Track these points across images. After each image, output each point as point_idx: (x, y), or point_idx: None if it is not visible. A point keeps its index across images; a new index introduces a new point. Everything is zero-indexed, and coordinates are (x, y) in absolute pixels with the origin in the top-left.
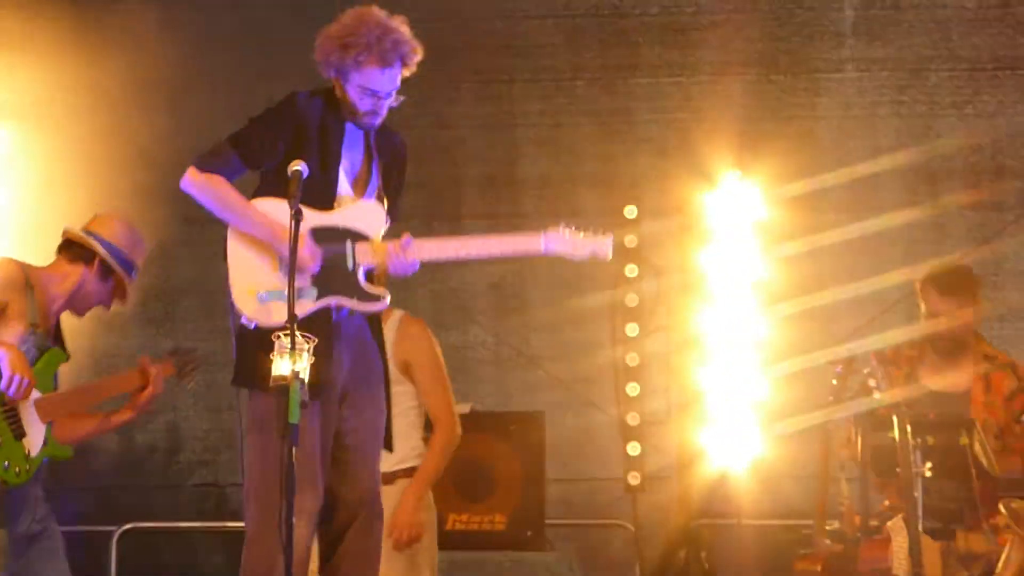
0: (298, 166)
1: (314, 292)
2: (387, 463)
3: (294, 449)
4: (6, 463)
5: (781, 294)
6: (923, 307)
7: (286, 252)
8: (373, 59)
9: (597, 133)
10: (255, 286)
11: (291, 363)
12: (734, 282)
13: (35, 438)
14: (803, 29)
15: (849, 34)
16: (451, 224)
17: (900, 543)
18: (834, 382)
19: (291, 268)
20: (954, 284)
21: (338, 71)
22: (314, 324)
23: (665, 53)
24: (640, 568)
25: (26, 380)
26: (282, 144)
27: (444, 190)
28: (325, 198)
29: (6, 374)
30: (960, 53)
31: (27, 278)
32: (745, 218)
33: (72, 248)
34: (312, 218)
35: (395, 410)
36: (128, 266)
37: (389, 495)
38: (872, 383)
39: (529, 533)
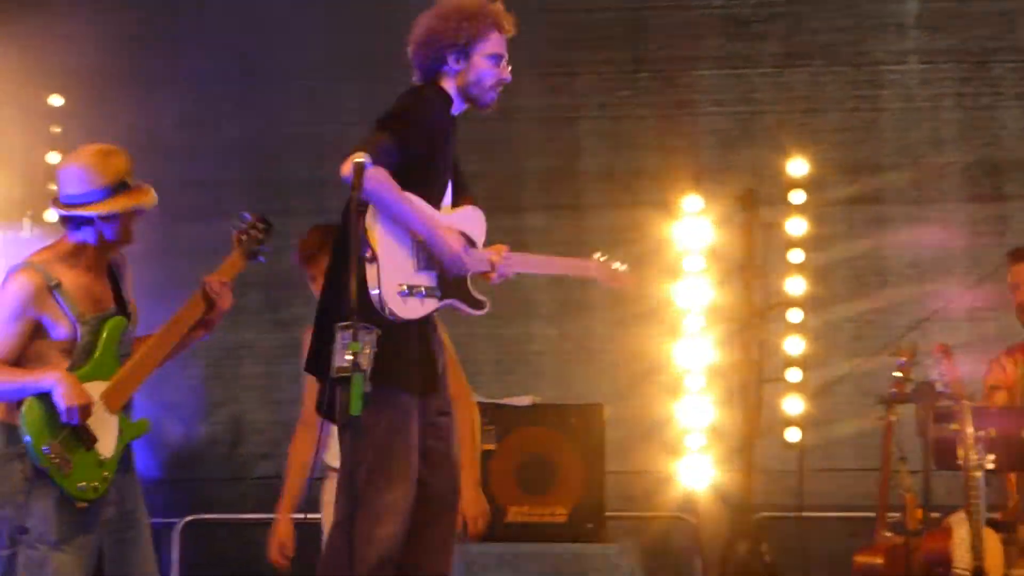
0: (361, 158)
1: (437, 292)
2: None
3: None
4: (81, 484)
5: (843, 285)
6: (1009, 284)
7: (438, 253)
8: (495, 25)
9: (659, 125)
10: (399, 281)
11: (352, 355)
12: (796, 272)
13: (108, 437)
14: (866, 20)
15: (912, 25)
16: (513, 216)
17: (962, 535)
18: (897, 374)
19: (353, 256)
20: None
21: (463, 49)
22: (425, 323)
23: (727, 45)
24: (701, 561)
25: (86, 404)
26: (424, 139)
27: (506, 183)
28: (439, 198)
29: (62, 407)
30: (1023, 45)
31: (47, 282)
32: (807, 210)
33: (63, 221)
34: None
35: None
36: (114, 190)
37: None
38: (935, 375)
39: (590, 525)
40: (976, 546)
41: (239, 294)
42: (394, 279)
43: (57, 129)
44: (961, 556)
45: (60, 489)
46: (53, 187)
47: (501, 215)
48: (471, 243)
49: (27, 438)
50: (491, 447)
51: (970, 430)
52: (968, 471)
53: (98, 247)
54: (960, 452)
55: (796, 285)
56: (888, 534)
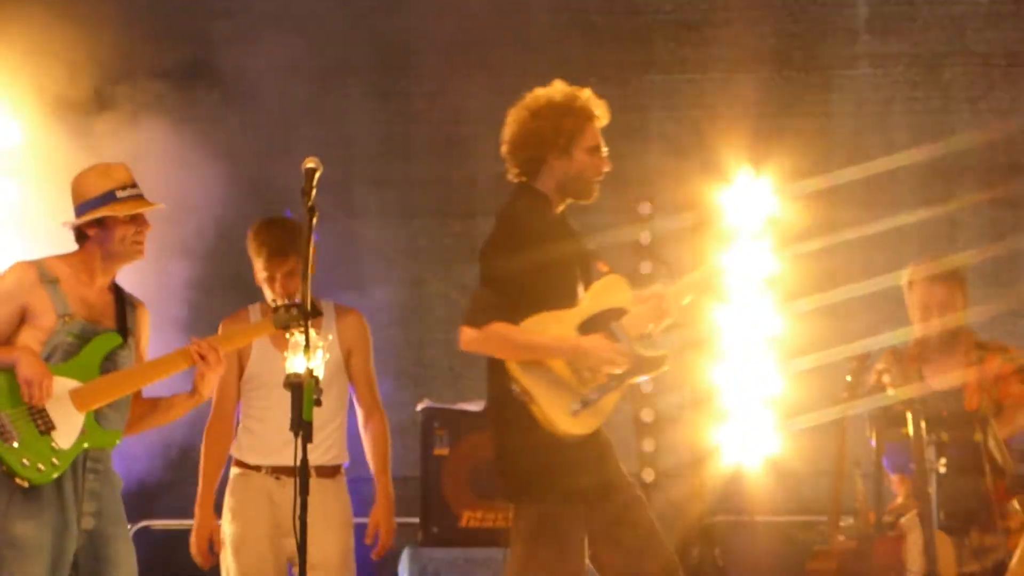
0: (311, 164)
1: (613, 384)
2: (325, 456)
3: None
4: (24, 460)
5: (796, 291)
6: (912, 303)
7: (590, 365)
8: (590, 117)
9: (610, 130)
10: (565, 402)
11: (306, 360)
12: (748, 279)
13: (68, 431)
14: (817, 25)
15: (863, 30)
16: (465, 221)
17: (914, 539)
18: (848, 378)
19: (304, 269)
20: (942, 273)
21: (564, 146)
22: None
23: (679, 50)
24: None
25: (43, 381)
26: (526, 262)
27: (458, 187)
28: (571, 294)
29: (20, 378)
30: (974, 49)
31: (42, 274)
32: (759, 215)
33: (76, 234)
34: (572, 317)
35: (336, 403)
36: (100, 201)
37: (327, 488)
38: (886, 379)
39: None
40: (929, 550)
41: (179, 299)
42: (560, 405)
43: None
44: (914, 560)
45: (8, 475)
46: None
47: (453, 220)
48: (620, 313)
49: None
50: (444, 452)
51: (922, 434)
52: (920, 475)
53: (98, 258)
54: (912, 456)
55: (746, 289)
56: (841, 538)
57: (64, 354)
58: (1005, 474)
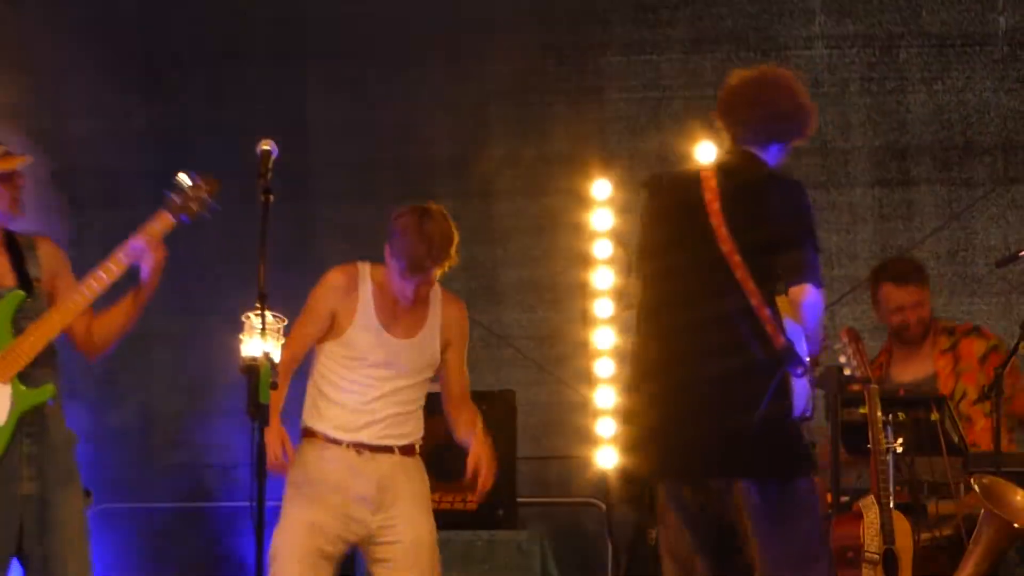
0: (266, 146)
1: None
2: (407, 437)
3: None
4: None
5: None
6: (881, 303)
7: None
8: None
9: (567, 112)
10: None
11: (262, 343)
12: None
13: None
14: (773, 6)
15: (819, 11)
16: (422, 203)
17: (871, 519)
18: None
19: (261, 248)
20: (908, 272)
21: (803, 133)
22: None
23: (636, 31)
24: (611, 546)
25: None
26: None
27: (415, 169)
28: None
29: None
30: (929, 29)
31: None
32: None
33: None
34: None
35: (422, 390)
36: None
37: (410, 466)
38: (843, 359)
39: (501, 512)
40: (886, 529)
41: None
42: None
43: None
44: (872, 539)
45: None
46: None
47: (410, 202)
48: None
49: None
50: None
51: (879, 414)
52: (877, 455)
53: None
54: (869, 436)
55: None
56: None
57: None
58: (962, 453)
